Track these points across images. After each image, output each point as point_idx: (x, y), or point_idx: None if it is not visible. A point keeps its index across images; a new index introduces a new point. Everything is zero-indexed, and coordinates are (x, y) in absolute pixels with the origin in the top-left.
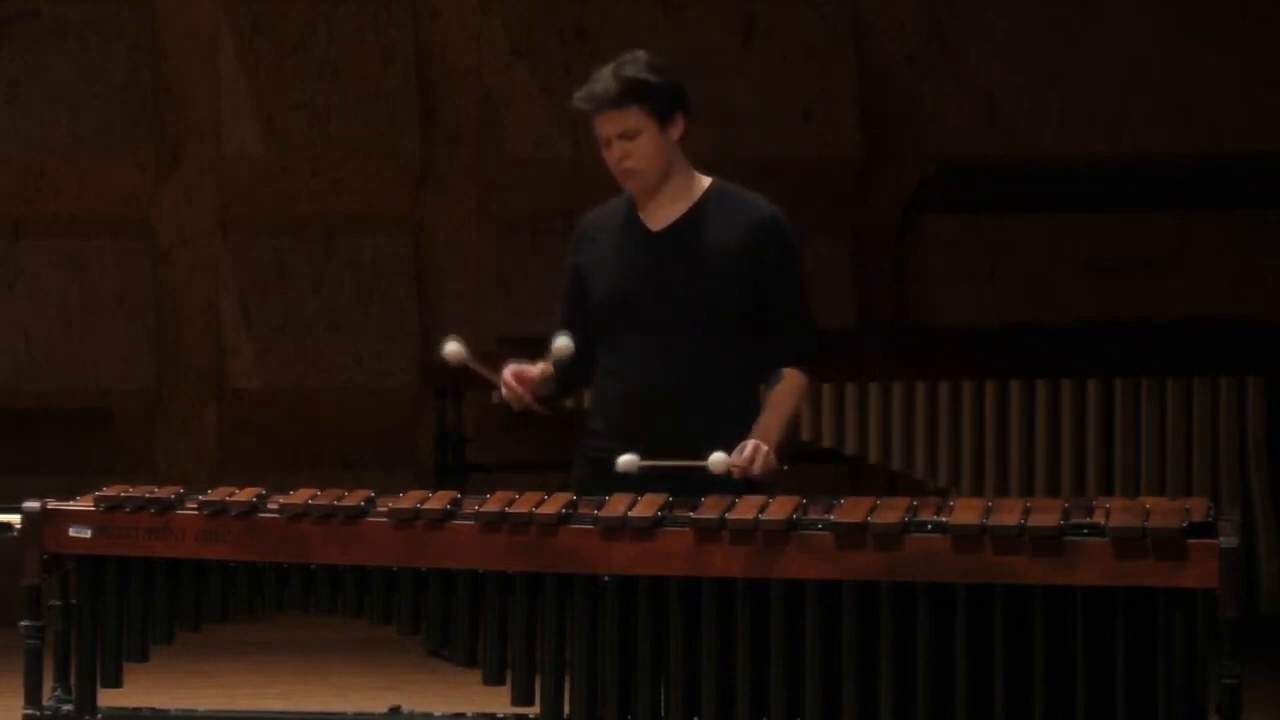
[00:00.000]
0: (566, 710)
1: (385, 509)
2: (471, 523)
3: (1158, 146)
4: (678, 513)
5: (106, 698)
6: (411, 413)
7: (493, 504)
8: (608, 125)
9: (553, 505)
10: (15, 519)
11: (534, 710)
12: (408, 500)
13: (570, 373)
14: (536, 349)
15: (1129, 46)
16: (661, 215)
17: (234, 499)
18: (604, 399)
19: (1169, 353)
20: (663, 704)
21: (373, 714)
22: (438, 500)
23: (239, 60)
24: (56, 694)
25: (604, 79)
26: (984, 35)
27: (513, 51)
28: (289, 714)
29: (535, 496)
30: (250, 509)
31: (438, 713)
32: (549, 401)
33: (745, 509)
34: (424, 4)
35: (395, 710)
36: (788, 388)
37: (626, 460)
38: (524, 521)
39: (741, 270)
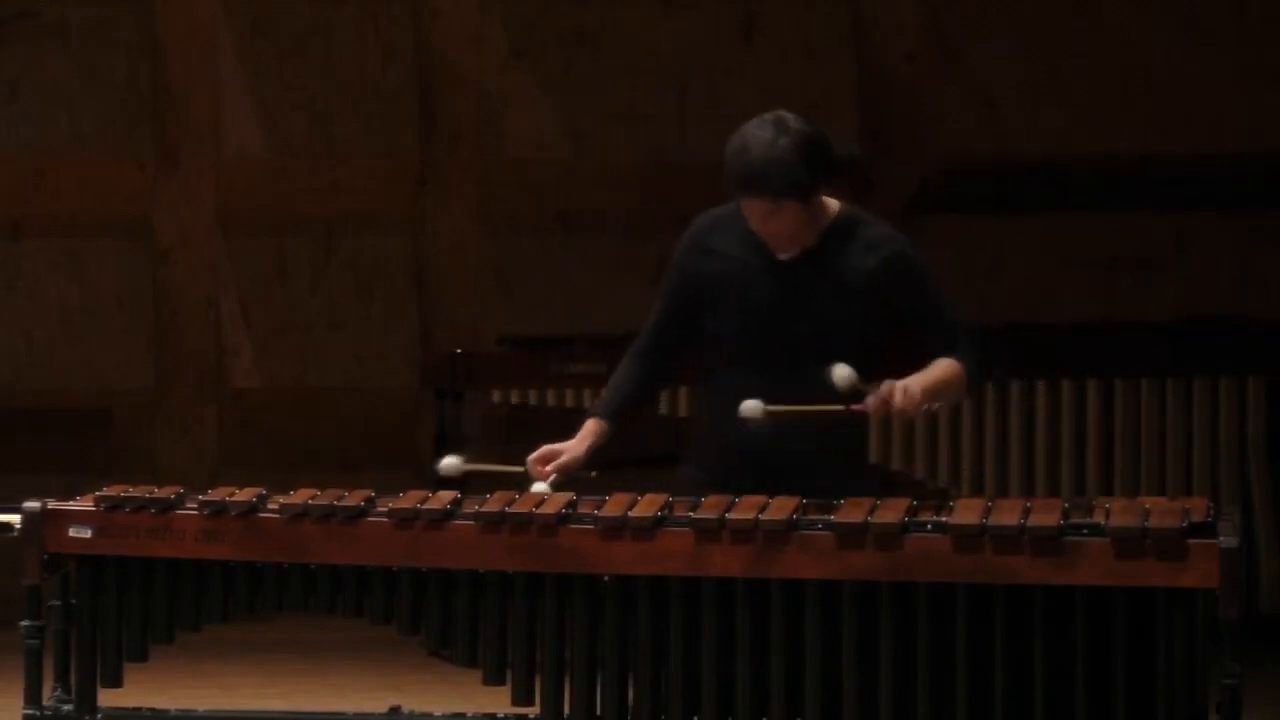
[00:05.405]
0: (566, 710)
1: (385, 509)
2: (471, 523)
3: (1158, 146)
4: (678, 513)
5: (106, 698)
6: (411, 413)
7: (493, 504)
8: (755, 204)
9: (553, 505)
10: (15, 519)
11: (534, 710)
12: (408, 500)
13: (627, 417)
14: (536, 349)
15: (1129, 46)
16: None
17: (234, 499)
18: (719, 418)
19: (1169, 353)
20: (663, 704)
21: (373, 714)
22: (438, 500)
23: (239, 60)
24: (56, 694)
25: (756, 165)
26: (984, 35)
27: (513, 51)
28: (289, 714)
29: (535, 496)
30: (250, 509)
31: (438, 713)
32: (596, 459)
33: (745, 509)
34: (424, 4)
35: (395, 710)
36: (939, 364)
37: (750, 406)
38: (524, 521)
39: (869, 305)
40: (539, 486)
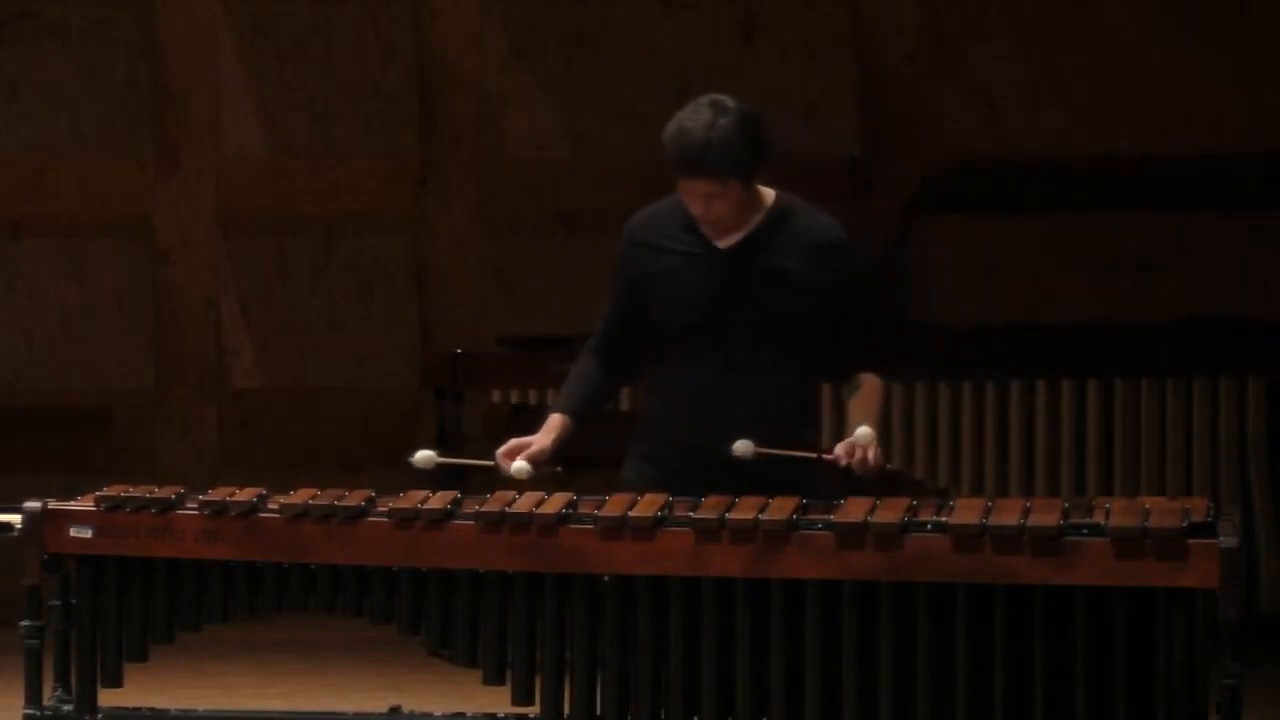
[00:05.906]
0: (566, 710)
1: (385, 509)
2: (471, 523)
3: (1158, 146)
4: (678, 513)
5: (106, 698)
6: (411, 413)
7: (493, 504)
8: (697, 186)
9: (553, 505)
10: (15, 519)
11: (534, 710)
12: (408, 500)
13: (587, 415)
14: (536, 349)
15: (1129, 46)
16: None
17: (234, 499)
18: (667, 412)
19: (1169, 353)
20: (663, 704)
21: (373, 714)
22: (438, 500)
23: (239, 60)
24: (56, 694)
25: (698, 146)
26: (984, 35)
27: (513, 51)
28: (289, 714)
29: (535, 496)
30: (250, 509)
31: (438, 713)
32: (562, 454)
33: (745, 509)
34: (424, 4)
35: (395, 710)
36: (870, 391)
37: (742, 445)
38: (524, 521)
39: (809, 293)
40: (519, 465)
